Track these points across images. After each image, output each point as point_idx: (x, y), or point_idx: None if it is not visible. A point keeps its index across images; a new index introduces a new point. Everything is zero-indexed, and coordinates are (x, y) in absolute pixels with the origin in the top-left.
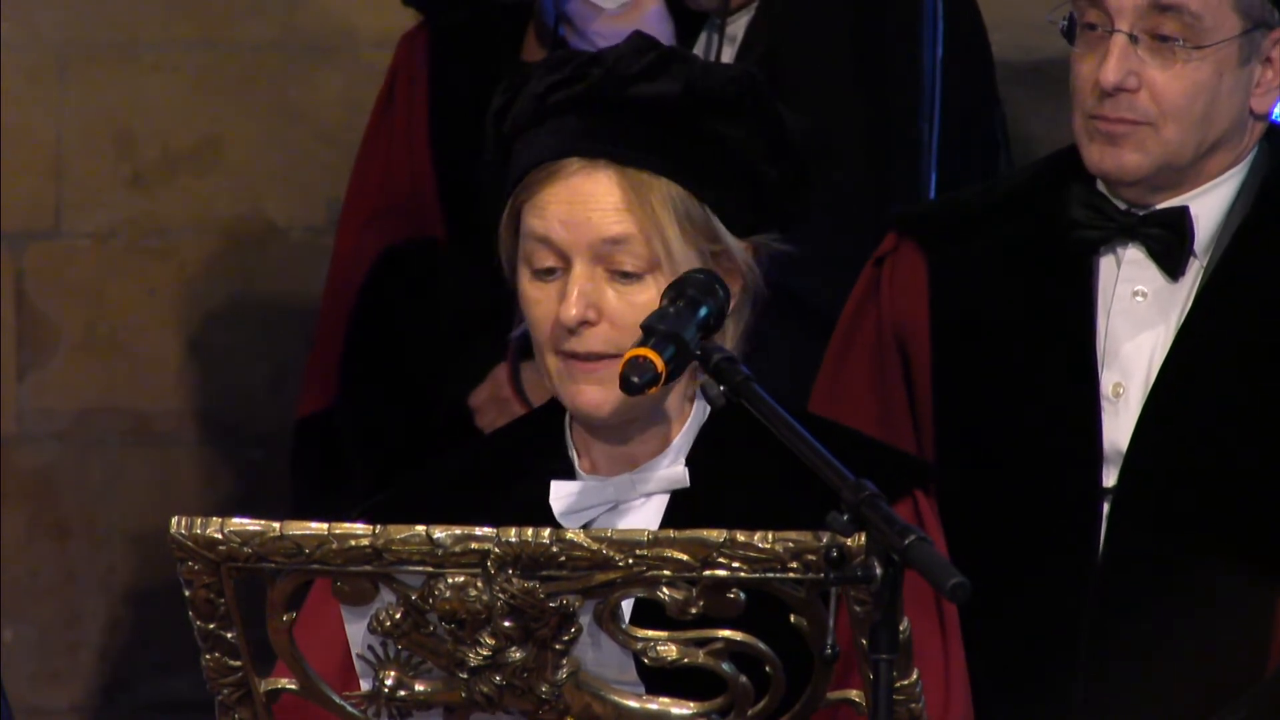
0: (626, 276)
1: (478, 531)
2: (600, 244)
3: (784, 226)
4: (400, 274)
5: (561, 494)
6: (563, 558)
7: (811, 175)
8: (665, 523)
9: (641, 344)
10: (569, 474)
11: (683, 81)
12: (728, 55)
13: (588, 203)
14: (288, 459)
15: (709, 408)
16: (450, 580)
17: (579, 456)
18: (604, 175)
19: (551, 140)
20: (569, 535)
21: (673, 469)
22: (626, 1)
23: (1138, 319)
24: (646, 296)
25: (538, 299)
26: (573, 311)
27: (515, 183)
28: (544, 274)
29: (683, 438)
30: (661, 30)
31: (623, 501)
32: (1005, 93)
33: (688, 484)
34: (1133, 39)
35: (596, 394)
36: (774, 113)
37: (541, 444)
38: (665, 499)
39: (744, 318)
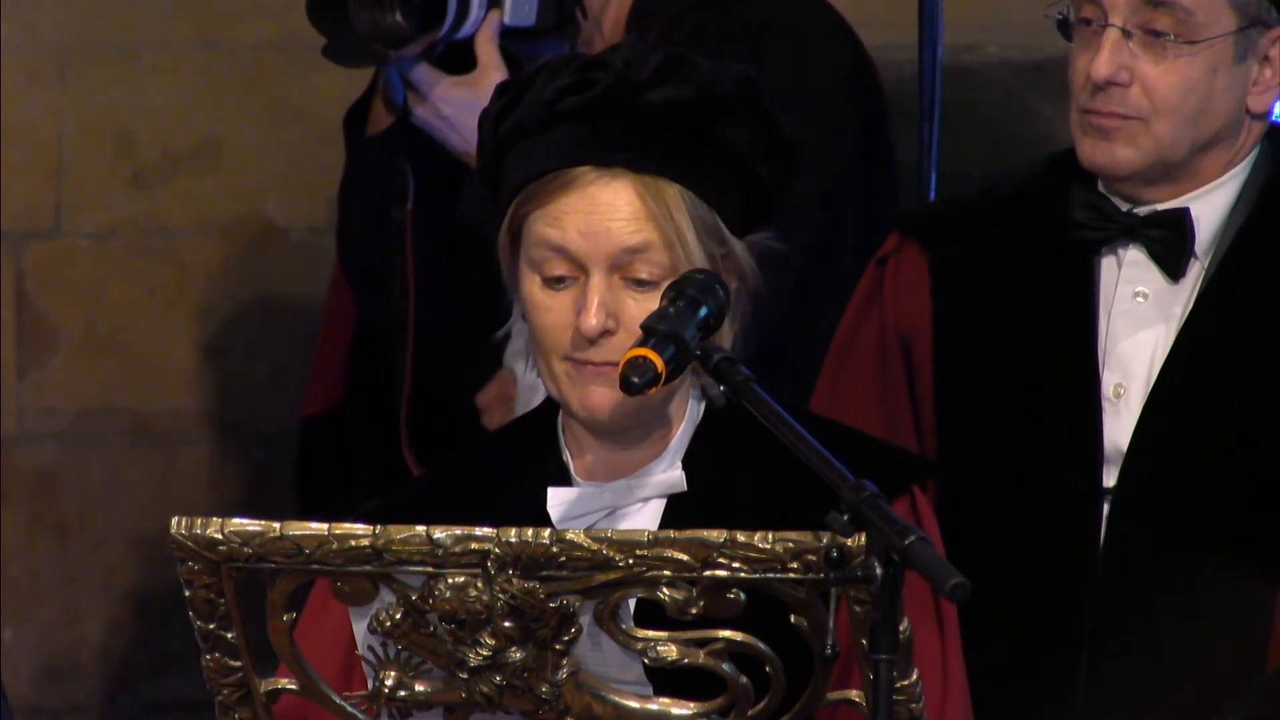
0: (643, 284)
1: (478, 532)
2: (620, 254)
3: (769, 224)
4: None
5: (559, 500)
6: (563, 558)
7: (799, 173)
8: (663, 527)
9: (641, 344)
10: (564, 479)
11: (695, 86)
12: None
13: (606, 213)
14: (293, 458)
15: (703, 409)
16: (450, 580)
17: (574, 461)
18: (621, 184)
19: (562, 148)
20: (569, 536)
21: (669, 473)
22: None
23: (1139, 320)
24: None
25: (548, 306)
26: (593, 322)
27: (518, 188)
28: (555, 282)
29: (678, 441)
30: None
31: (620, 507)
32: (1005, 92)
33: (685, 488)
34: (1126, 34)
35: (606, 395)
36: (770, 113)
37: (535, 449)
38: (662, 503)
39: (742, 317)
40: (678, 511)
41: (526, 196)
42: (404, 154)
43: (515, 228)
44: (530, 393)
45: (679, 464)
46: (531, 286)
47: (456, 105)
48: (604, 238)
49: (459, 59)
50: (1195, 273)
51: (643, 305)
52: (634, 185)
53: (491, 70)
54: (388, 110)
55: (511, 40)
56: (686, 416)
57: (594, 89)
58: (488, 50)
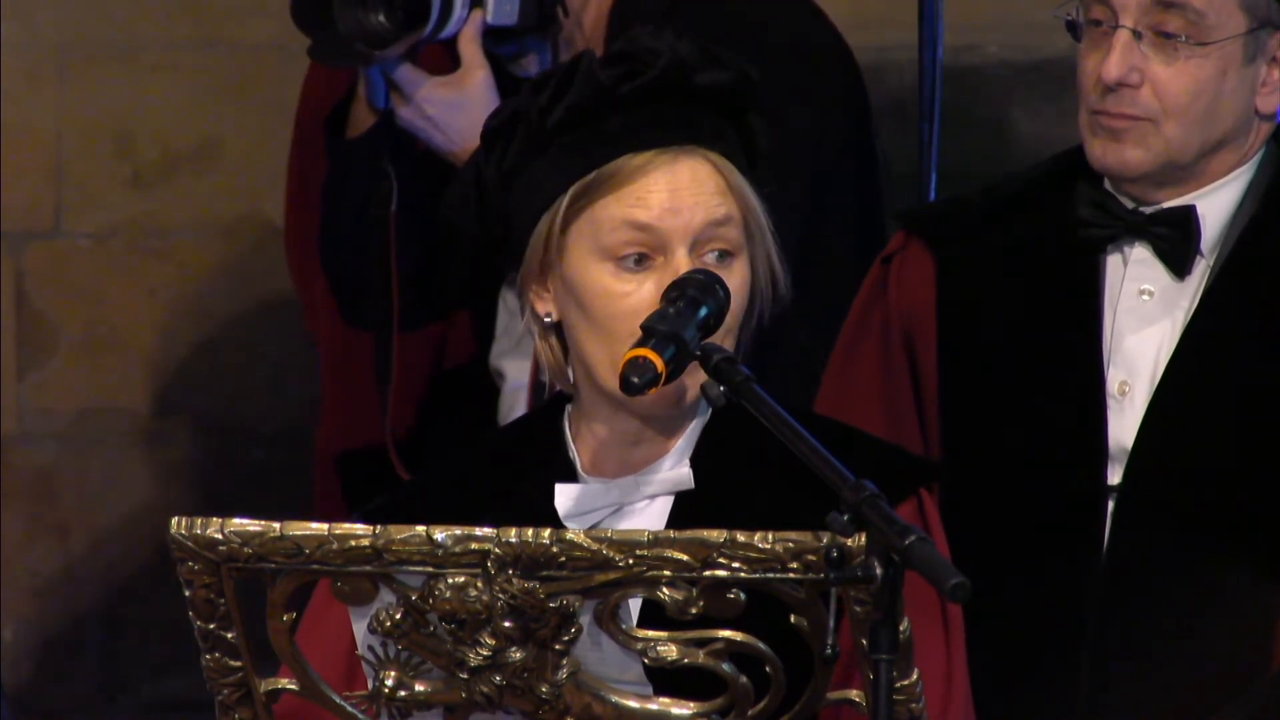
0: (722, 258)
1: (478, 532)
2: (705, 227)
3: None
4: None
5: (566, 496)
6: (563, 558)
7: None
8: (670, 525)
9: (641, 344)
10: (570, 475)
11: (731, 70)
12: None
13: (691, 188)
14: (292, 459)
15: (710, 407)
16: (450, 580)
17: (581, 458)
18: (697, 160)
19: (625, 134)
20: (569, 536)
21: (677, 470)
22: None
23: (1144, 317)
24: (740, 278)
25: (624, 291)
26: None
27: (571, 181)
28: (635, 263)
29: (686, 438)
30: (491, 99)
31: (627, 503)
32: (1005, 92)
33: (692, 485)
34: (1136, 35)
35: (674, 388)
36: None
37: (542, 447)
38: (670, 501)
39: (755, 314)
40: (685, 509)
41: (586, 188)
42: (387, 155)
43: (567, 221)
44: (515, 394)
45: (686, 461)
46: (601, 275)
47: (441, 105)
48: (689, 213)
49: (437, 58)
50: (1201, 270)
51: (727, 282)
52: (709, 160)
53: (475, 70)
54: (369, 111)
55: (492, 39)
56: (696, 415)
57: (651, 72)
58: (471, 50)
